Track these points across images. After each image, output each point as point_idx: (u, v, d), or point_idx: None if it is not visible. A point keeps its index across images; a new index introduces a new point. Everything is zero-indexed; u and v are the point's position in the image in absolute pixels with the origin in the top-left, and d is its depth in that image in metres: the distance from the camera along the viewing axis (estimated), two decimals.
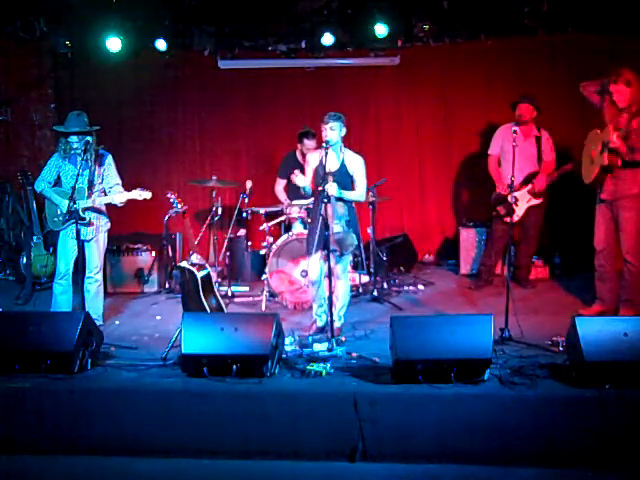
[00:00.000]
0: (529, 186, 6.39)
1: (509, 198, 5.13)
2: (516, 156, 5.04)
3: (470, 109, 7.71)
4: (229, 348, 4.10)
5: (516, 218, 6.22)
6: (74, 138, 5.21)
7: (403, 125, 8.06)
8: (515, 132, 5.17)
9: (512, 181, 5.08)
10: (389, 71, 7.85)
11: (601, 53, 7.09)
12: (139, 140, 8.07)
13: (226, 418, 3.91)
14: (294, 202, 6.40)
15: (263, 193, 7.36)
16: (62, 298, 5.34)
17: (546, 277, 7.03)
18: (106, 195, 5.30)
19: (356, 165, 5.08)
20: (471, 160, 7.72)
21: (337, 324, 5.03)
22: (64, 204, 5.14)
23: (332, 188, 4.82)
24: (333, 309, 4.73)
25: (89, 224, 5.26)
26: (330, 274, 4.71)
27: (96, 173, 5.28)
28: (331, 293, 4.69)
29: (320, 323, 5.23)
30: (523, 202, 6.34)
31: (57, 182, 5.37)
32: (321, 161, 4.88)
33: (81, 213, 5.09)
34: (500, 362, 4.18)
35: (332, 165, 5.04)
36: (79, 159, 5.17)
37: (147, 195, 5.23)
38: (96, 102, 7.53)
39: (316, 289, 5.17)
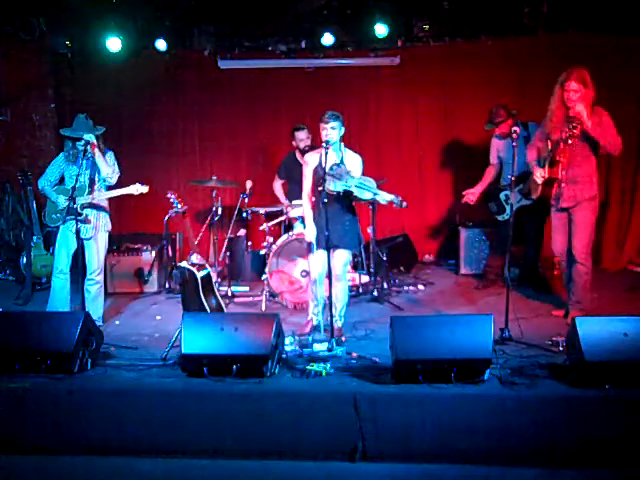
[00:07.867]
0: (520, 186, 6.36)
1: (501, 196, 5.12)
2: (514, 157, 5.06)
3: (470, 109, 7.70)
4: (229, 348, 4.10)
5: (506, 216, 6.20)
6: (83, 141, 5.18)
7: (403, 125, 8.05)
8: (515, 132, 5.16)
9: (512, 179, 5.11)
10: (389, 71, 7.85)
11: (601, 53, 7.08)
12: (139, 140, 8.07)
13: (226, 418, 3.91)
14: (294, 202, 6.41)
15: (263, 193, 7.35)
16: (61, 293, 5.34)
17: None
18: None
19: (355, 164, 5.09)
20: (471, 160, 7.70)
21: (337, 324, 5.03)
22: (62, 200, 5.16)
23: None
24: (333, 309, 4.73)
25: (86, 221, 5.26)
26: (330, 274, 4.72)
27: (96, 171, 5.30)
28: (331, 293, 4.69)
29: (315, 322, 5.22)
30: (514, 201, 6.33)
31: (61, 181, 5.40)
32: (321, 161, 4.88)
33: (79, 209, 5.10)
34: (500, 362, 4.18)
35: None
36: (81, 158, 5.18)
37: (144, 189, 5.23)
38: (96, 102, 7.51)
39: (317, 287, 5.16)
